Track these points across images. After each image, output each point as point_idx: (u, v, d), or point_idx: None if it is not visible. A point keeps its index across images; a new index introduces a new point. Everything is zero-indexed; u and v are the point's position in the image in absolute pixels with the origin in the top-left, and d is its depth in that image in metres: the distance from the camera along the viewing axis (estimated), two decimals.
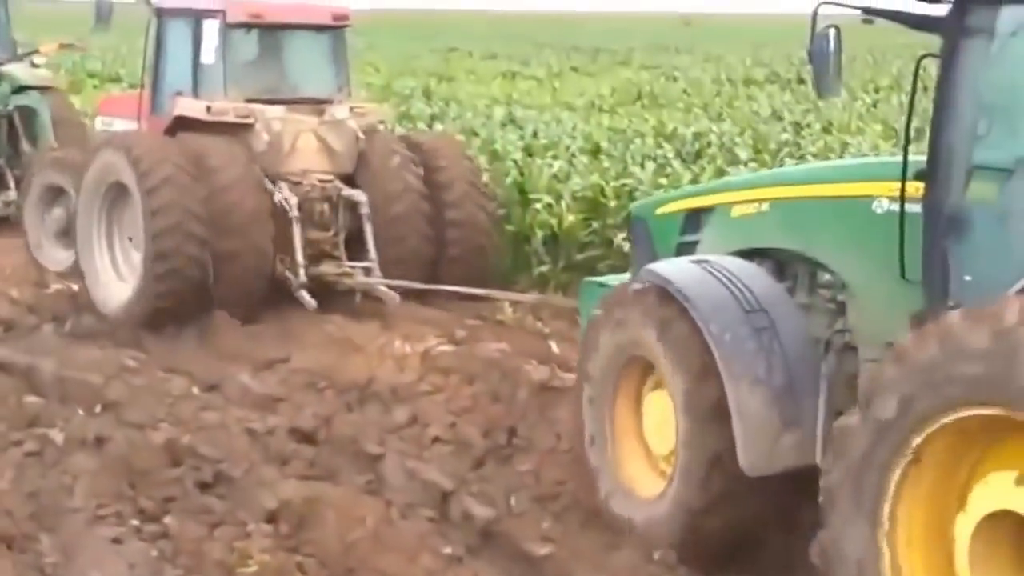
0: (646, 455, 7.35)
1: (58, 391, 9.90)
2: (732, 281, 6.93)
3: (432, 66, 48.66)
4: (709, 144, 18.49)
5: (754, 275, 7.05)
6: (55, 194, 14.31)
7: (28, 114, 16.82)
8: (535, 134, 19.14)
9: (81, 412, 9.38)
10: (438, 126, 20.65)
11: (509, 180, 14.85)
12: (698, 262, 7.20)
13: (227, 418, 9.15)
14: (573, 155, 16.83)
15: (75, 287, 12.96)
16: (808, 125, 22.09)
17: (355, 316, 12.24)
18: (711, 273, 7.00)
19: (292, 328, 12.00)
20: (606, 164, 15.84)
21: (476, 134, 19.02)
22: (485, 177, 13.98)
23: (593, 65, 52.72)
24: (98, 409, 9.51)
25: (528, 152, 17.23)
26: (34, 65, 17.45)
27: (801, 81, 38.57)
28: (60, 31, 31.69)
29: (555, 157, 16.45)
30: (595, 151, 17.38)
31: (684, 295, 6.88)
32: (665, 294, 7.00)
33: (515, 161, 16.02)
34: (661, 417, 7.13)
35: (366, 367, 10.43)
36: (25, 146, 16.88)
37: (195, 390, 9.90)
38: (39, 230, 14.33)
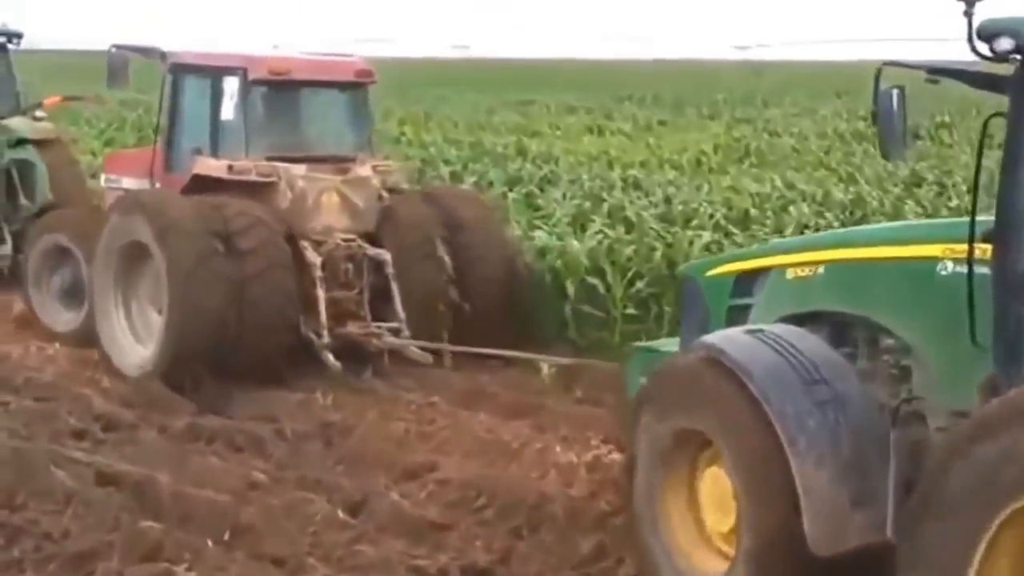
0: (702, 534, 7.20)
1: (177, 512, 8.72)
2: (790, 351, 6.80)
3: (511, 120, 47.82)
4: (872, 211, 17.19)
5: (813, 344, 6.92)
6: (59, 254, 14.29)
7: (25, 168, 17.00)
8: (668, 200, 17.93)
9: (210, 543, 8.16)
10: (556, 193, 19.44)
11: (658, 255, 13.65)
12: (752, 332, 7.07)
13: (386, 552, 7.92)
14: (718, 224, 15.60)
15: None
16: (954, 185, 20.84)
17: (502, 412, 11.34)
18: (767, 343, 6.87)
19: (431, 426, 10.89)
20: (762, 234, 14.61)
21: (603, 199, 17.85)
22: (510, 232, 14.27)
23: (681, 119, 51.70)
24: (227, 536, 8.30)
25: (665, 220, 16.04)
26: (36, 119, 17.56)
27: (918, 137, 37.32)
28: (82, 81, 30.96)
29: (700, 227, 15.23)
30: (743, 219, 16.19)
31: (741, 368, 6.73)
32: (720, 366, 6.85)
33: (656, 231, 14.81)
34: (718, 494, 7.00)
35: (527, 479, 9.49)
36: (22, 200, 16.95)
37: (340, 513, 8.64)
38: (42, 291, 14.39)
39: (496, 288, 13.20)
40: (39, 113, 17.82)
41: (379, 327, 12.73)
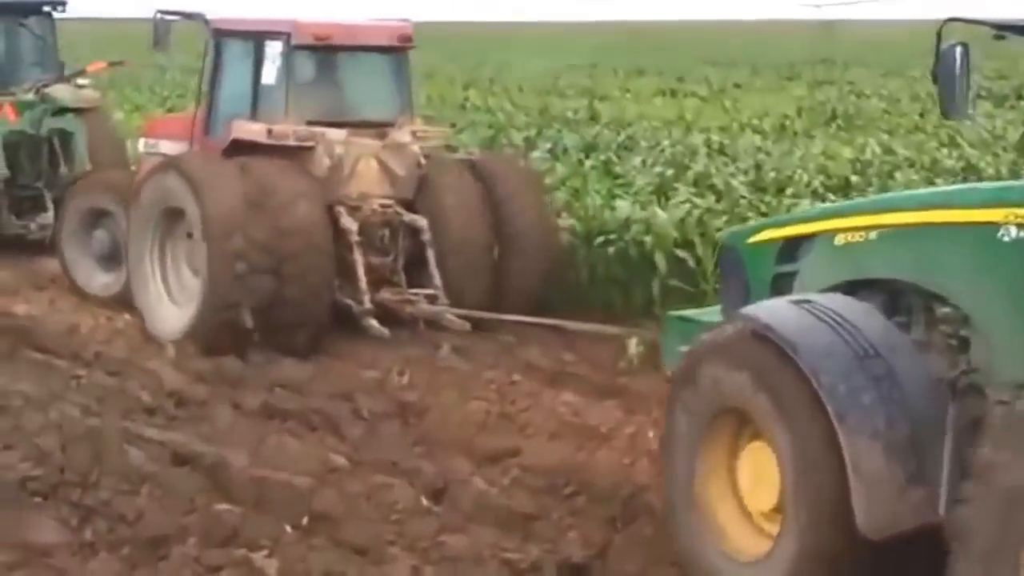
0: (742, 512, 7.02)
1: (253, 495, 8.54)
2: (841, 323, 6.55)
3: (578, 84, 47.48)
4: (987, 178, 16.66)
5: (865, 316, 6.66)
6: (96, 217, 14.55)
7: (66, 136, 17.23)
8: (758, 166, 17.55)
9: (288, 528, 7.99)
10: (636, 159, 19.12)
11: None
12: (799, 302, 6.80)
13: (474, 543, 7.71)
14: (816, 191, 15.23)
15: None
16: None
17: (588, 392, 11.10)
18: (816, 315, 6.62)
19: (513, 407, 10.73)
20: None
21: (688, 167, 17.50)
22: (551, 201, 14.15)
23: (757, 80, 51.20)
24: (305, 521, 8.12)
25: (756, 188, 15.67)
26: (79, 86, 17.82)
27: (1020, 97, 36.65)
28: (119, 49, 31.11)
29: (796, 195, 14.87)
30: (844, 187, 15.79)
31: (789, 342, 6.49)
32: (765, 340, 6.61)
33: (748, 200, 14.47)
34: (761, 471, 6.81)
35: (619, 466, 9.22)
36: (63, 169, 17.15)
37: (423, 500, 8.44)
38: (79, 254, 14.65)
39: (535, 256, 13.25)
40: (82, 80, 17.98)
41: (415, 294, 12.88)
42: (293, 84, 13.06)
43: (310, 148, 12.86)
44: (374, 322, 12.55)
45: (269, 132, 12.82)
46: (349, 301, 12.67)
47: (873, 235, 6.98)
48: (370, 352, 12.40)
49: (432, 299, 12.84)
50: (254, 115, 13.11)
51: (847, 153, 19.64)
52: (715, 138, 22.84)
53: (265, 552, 7.61)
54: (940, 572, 5.67)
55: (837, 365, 6.40)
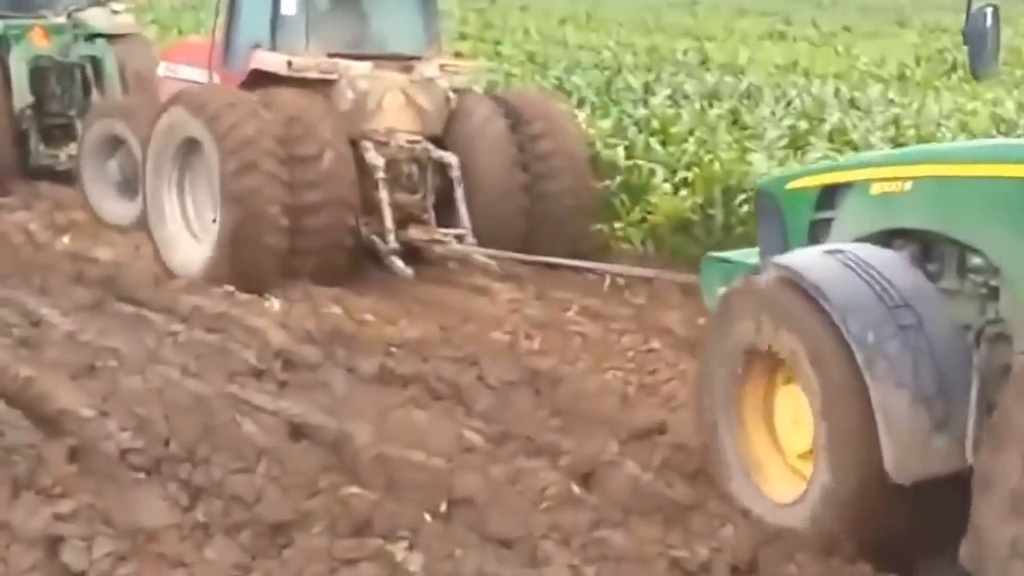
0: (778, 451, 7.34)
1: (384, 476, 7.86)
2: (872, 273, 6.82)
3: (680, 22, 46.52)
4: None
5: (896, 265, 6.95)
6: (113, 144, 14.63)
7: (97, 63, 17.23)
8: (895, 122, 16.72)
9: (428, 517, 7.33)
10: (764, 110, 18.31)
11: None
12: (832, 252, 7.07)
13: (636, 538, 7.03)
14: None
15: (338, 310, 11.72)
16: None
17: None
18: (848, 265, 6.89)
19: (653, 377, 10.22)
20: None
21: (822, 119, 16.70)
22: (587, 142, 14.04)
23: (866, 24, 49.94)
24: (444, 508, 7.45)
25: (898, 145, 14.95)
26: (113, 11, 17.76)
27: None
28: None
29: None
30: None
31: (820, 291, 6.77)
32: (798, 288, 6.90)
33: None
34: (795, 414, 7.12)
35: None
36: (95, 97, 17.16)
37: (573, 486, 7.75)
38: (97, 181, 14.80)
39: (566, 201, 13.28)
40: (117, 6, 17.89)
41: (444, 233, 12.87)
42: (314, 14, 12.98)
43: (333, 81, 12.79)
44: (398, 261, 12.59)
45: (290, 64, 12.72)
46: (375, 238, 12.69)
47: (908, 186, 7.20)
48: (492, 312, 11.80)
49: (460, 238, 12.83)
50: (273, 45, 13.01)
51: (981, 109, 18.75)
52: (844, 89, 21.92)
53: (405, 544, 6.94)
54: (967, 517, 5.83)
55: (866, 314, 6.65)
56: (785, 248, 7.80)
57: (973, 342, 6.63)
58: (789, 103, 19.22)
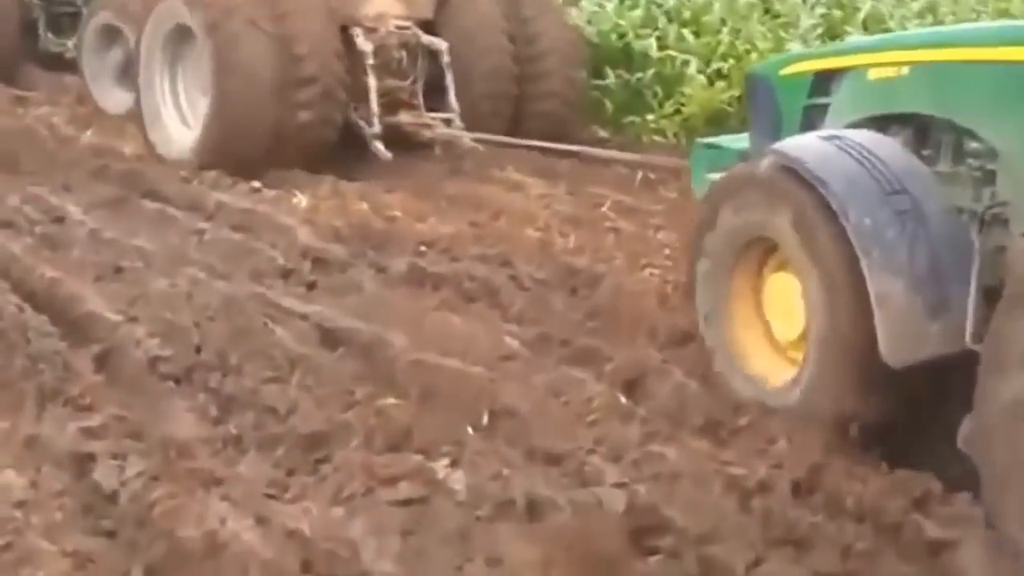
0: (768, 338, 7.25)
1: (420, 385, 7.49)
2: (869, 159, 6.76)
3: None
4: None
5: (892, 151, 6.89)
6: (111, 33, 14.80)
7: None
8: (932, 9, 16.16)
9: (470, 429, 6.98)
10: None
11: None
12: (829, 138, 6.98)
13: (690, 455, 6.65)
14: None
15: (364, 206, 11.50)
16: None
17: None
18: (845, 151, 6.81)
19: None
20: None
21: (856, 8, 16.10)
22: (576, 32, 14.12)
23: None
24: (485, 420, 7.10)
25: None
26: None
27: None
28: None
29: None
30: None
31: (818, 178, 6.71)
32: (795, 175, 6.82)
33: None
34: (787, 300, 7.04)
35: None
36: None
37: (621, 398, 7.38)
38: (97, 71, 15.01)
39: (559, 83, 13.45)
40: None
41: (432, 117, 13.03)
42: None
43: None
44: (380, 145, 12.74)
45: None
46: (361, 122, 12.81)
47: (905, 70, 7.14)
48: (524, 207, 11.43)
49: (448, 123, 13.00)
50: None
51: None
52: None
53: (446, 461, 6.58)
54: (961, 403, 5.79)
55: (863, 200, 6.62)
56: (777, 134, 7.70)
57: (972, 226, 6.60)
58: None
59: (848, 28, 14.90)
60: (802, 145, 7.09)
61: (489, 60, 13.17)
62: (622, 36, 13.98)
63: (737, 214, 7.21)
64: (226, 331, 8.13)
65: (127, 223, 10.83)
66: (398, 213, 11.23)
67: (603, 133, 14.12)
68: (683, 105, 13.28)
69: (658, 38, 14.50)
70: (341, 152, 12.96)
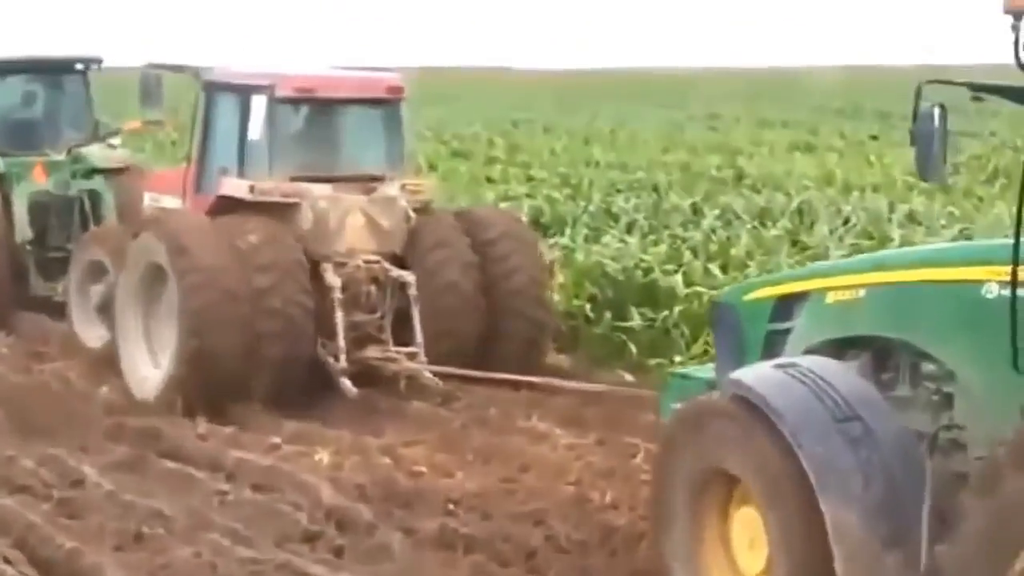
0: (734, 573, 7.21)
1: None
2: (821, 386, 6.78)
3: (704, 138, 45.87)
4: None
5: (846, 377, 6.94)
6: (96, 271, 14.87)
7: (95, 197, 17.57)
8: (968, 237, 15.85)
9: None
10: (822, 228, 17.53)
11: None
12: (782, 366, 7.07)
13: None
14: None
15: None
16: None
17: None
18: (798, 379, 6.85)
19: None
20: None
21: (888, 237, 15.91)
22: (547, 258, 14.19)
23: (891, 132, 49.32)
24: None
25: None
26: (111, 146, 18.18)
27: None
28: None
29: None
30: None
31: (770, 407, 6.72)
32: (749, 405, 6.84)
33: None
34: (751, 535, 7.01)
35: None
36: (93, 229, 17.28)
37: None
38: (81, 307, 14.96)
39: (526, 315, 13.36)
40: (114, 140, 18.26)
41: (398, 351, 13.00)
42: (277, 139, 13.23)
43: (295, 204, 13.01)
44: (347, 381, 12.62)
45: (252, 189, 12.95)
46: (329, 359, 12.75)
47: (862, 293, 7.25)
48: (554, 459, 10.98)
49: (412, 356, 12.93)
50: (241, 171, 13.27)
51: None
52: (895, 202, 21.13)
53: None
54: None
55: (816, 429, 6.60)
56: (741, 361, 7.71)
57: (927, 451, 6.61)
58: (846, 220, 18.46)
59: None
60: (755, 374, 7.09)
61: (456, 291, 13.14)
62: (647, 272, 13.70)
63: (694, 446, 7.18)
64: None
65: (146, 484, 10.44)
66: (423, 468, 10.81)
67: (629, 377, 13.72)
68: (712, 345, 12.90)
69: (684, 274, 14.23)
70: (362, 403, 12.64)
